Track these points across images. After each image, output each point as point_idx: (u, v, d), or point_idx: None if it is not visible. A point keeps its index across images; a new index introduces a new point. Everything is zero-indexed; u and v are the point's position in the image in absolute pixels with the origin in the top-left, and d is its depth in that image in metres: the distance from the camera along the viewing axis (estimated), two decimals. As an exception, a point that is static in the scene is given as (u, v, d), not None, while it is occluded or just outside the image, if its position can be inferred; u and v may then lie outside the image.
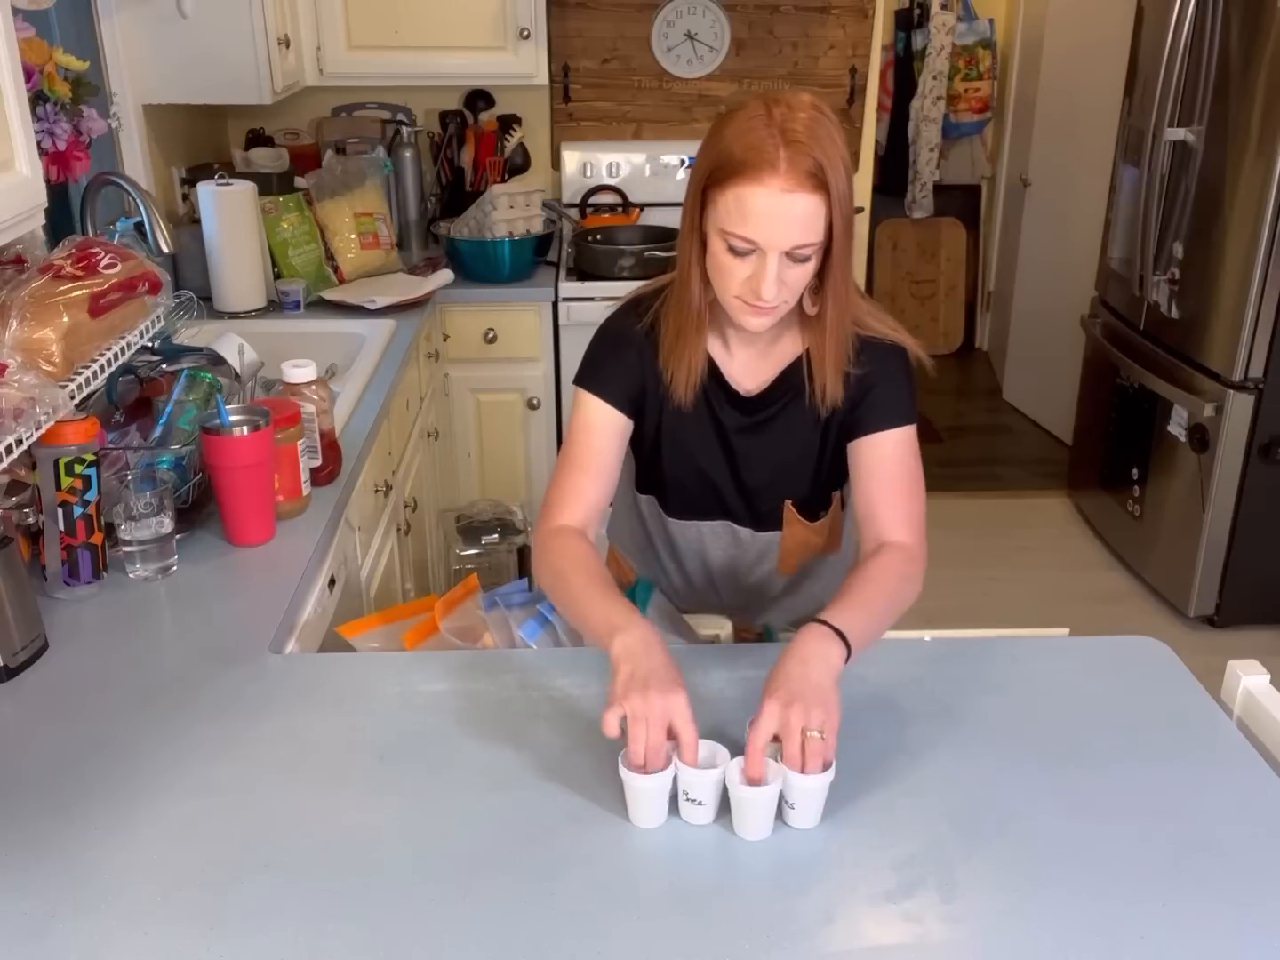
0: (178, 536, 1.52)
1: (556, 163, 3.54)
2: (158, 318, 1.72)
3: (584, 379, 1.38)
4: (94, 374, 1.51)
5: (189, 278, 2.61)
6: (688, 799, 1.04)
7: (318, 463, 1.71)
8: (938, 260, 5.28)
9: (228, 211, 2.56)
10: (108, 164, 2.47)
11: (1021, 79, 4.78)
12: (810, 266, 1.22)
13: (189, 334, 1.95)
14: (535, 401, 3.12)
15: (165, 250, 2.02)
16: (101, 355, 1.55)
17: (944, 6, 4.79)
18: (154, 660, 1.33)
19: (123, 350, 1.61)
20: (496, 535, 2.92)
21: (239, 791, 1.10)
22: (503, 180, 3.36)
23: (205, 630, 1.38)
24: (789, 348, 1.38)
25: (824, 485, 1.47)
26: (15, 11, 1.53)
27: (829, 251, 1.22)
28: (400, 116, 3.36)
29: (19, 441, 1.31)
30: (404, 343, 2.47)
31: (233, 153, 3.15)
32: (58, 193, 2.12)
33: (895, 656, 1.31)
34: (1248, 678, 1.23)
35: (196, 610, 1.43)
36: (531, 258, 3.07)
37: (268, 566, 1.52)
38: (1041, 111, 4.43)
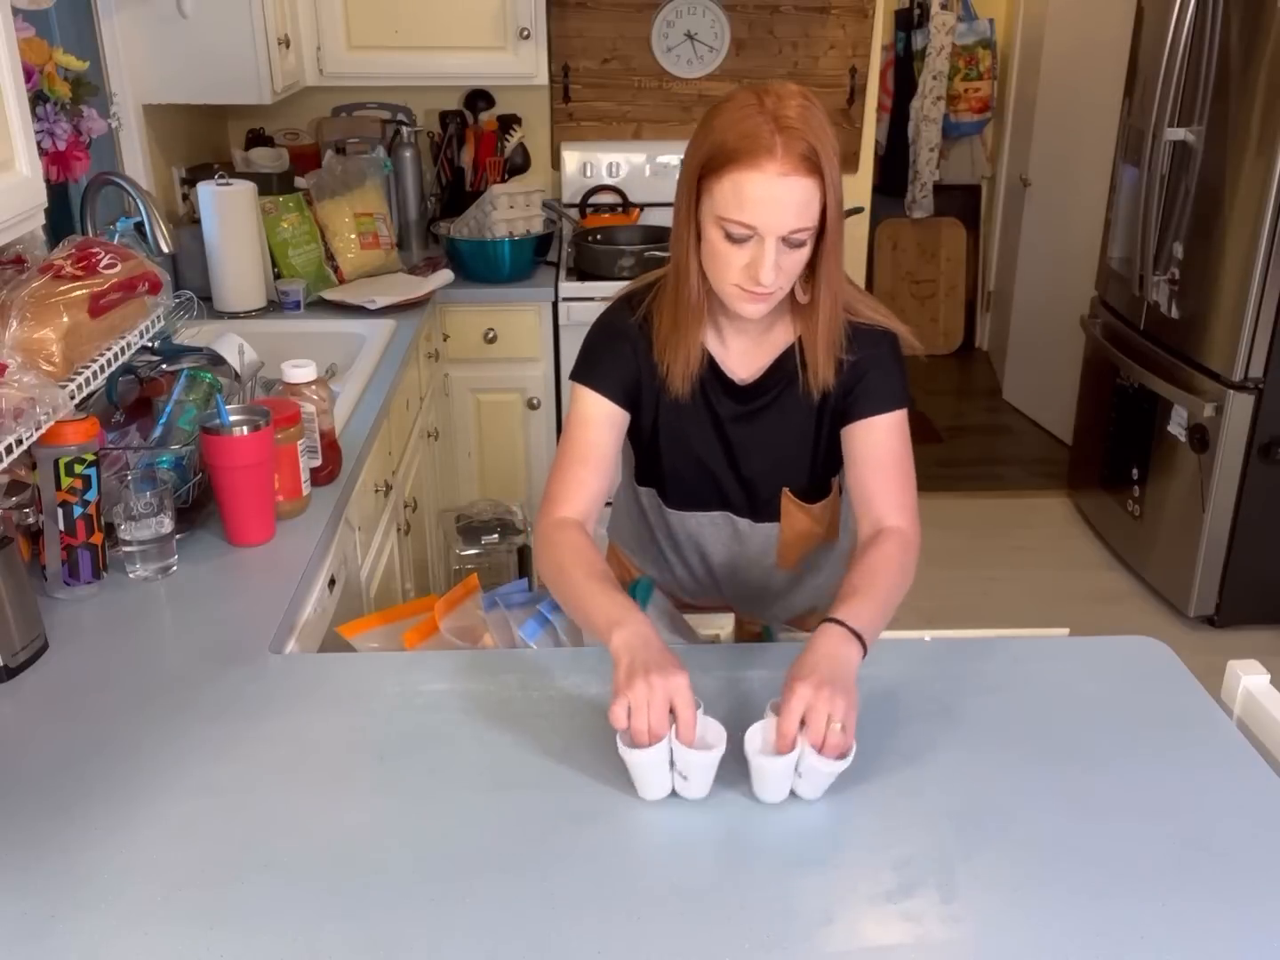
0: (178, 536, 1.52)
1: (556, 163, 3.54)
2: (158, 318, 1.72)
3: (580, 373, 1.39)
4: (94, 374, 1.51)
5: (189, 278, 2.61)
6: (680, 775, 1.07)
7: (318, 463, 1.71)
8: (938, 260, 5.28)
9: (228, 211, 2.56)
10: (108, 164, 2.47)
11: (1021, 79, 4.78)
12: (805, 251, 1.25)
13: (189, 334, 1.95)
14: (535, 401, 3.12)
15: (165, 250, 2.02)
16: (101, 355, 1.55)
17: (944, 6, 4.78)
18: (154, 660, 1.33)
19: (123, 350, 1.61)
20: (496, 535, 2.93)
21: (239, 791, 1.10)
22: (503, 180, 3.36)
23: (205, 630, 1.38)
24: (782, 336, 1.40)
25: (821, 472, 1.48)
26: (15, 11, 1.53)
27: (820, 238, 1.25)
28: (400, 116, 3.36)
29: (19, 441, 1.31)
30: (404, 343, 2.48)
31: (233, 153, 3.15)
32: (58, 193, 2.12)
33: (895, 656, 1.31)
34: (1248, 678, 1.23)
35: (196, 610, 1.43)
36: (531, 258, 3.07)
37: (268, 566, 1.52)
38: (1041, 111, 4.43)
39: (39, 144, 1.58)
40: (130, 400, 1.74)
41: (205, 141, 3.13)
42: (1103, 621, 3.16)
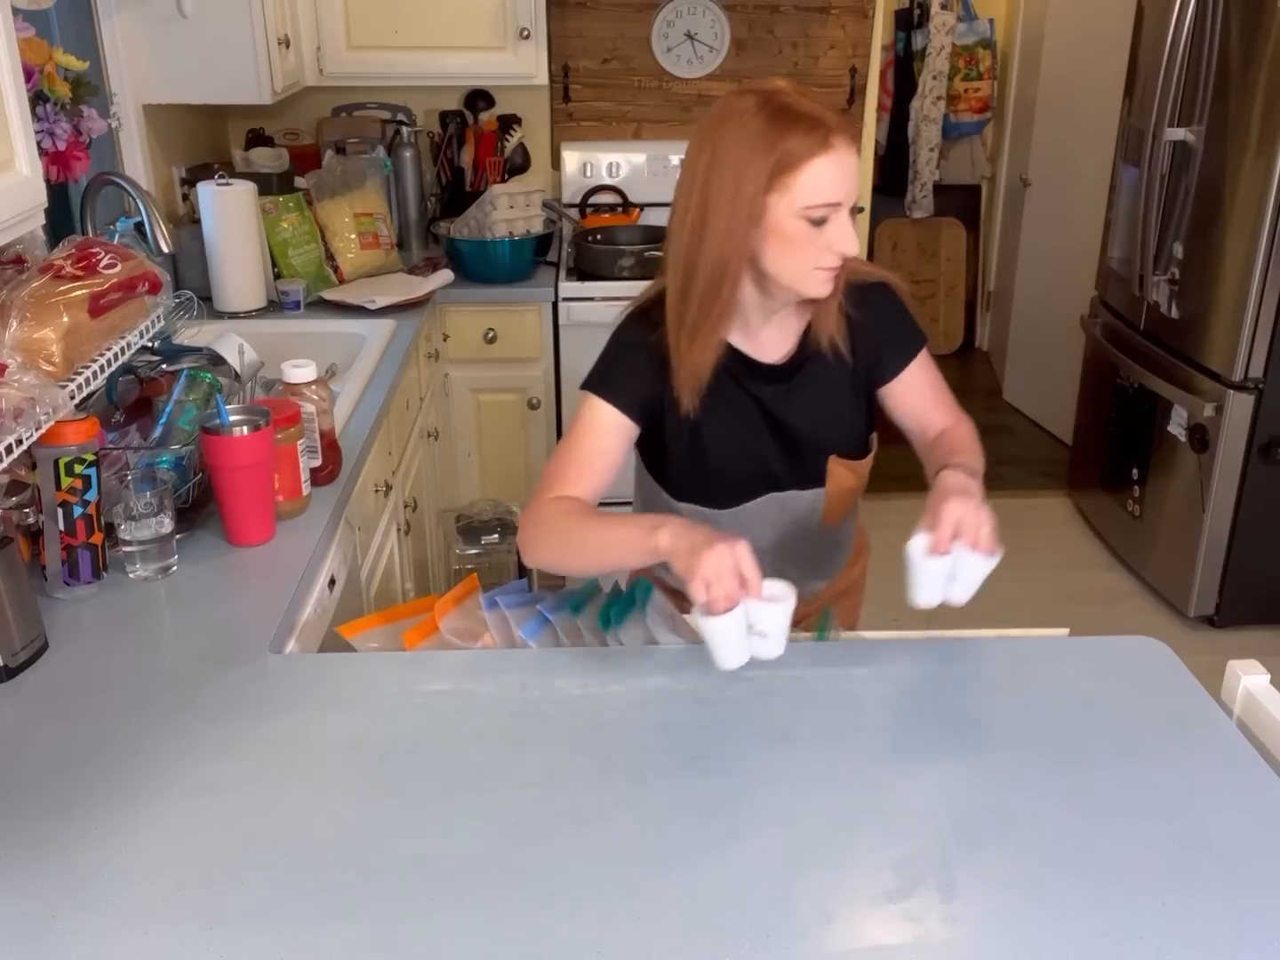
0: (178, 536, 1.52)
1: (556, 163, 3.54)
2: (158, 318, 1.72)
3: (595, 384, 1.40)
4: (94, 374, 1.51)
5: (189, 278, 2.61)
6: (759, 635, 1.15)
7: (318, 463, 1.71)
8: (938, 260, 5.28)
9: (228, 211, 2.56)
10: (108, 164, 2.47)
11: (1021, 79, 4.78)
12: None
13: (189, 334, 1.95)
14: (535, 401, 3.12)
15: (165, 250, 2.03)
16: (101, 355, 1.55)
17: (944, 6, 4.78)
18: (154, 660, 1.33)
19: (123, 350, 1.61)
20: (496, 535, 2.93)
21: (239, 791, 1.10)
22: (503, 180, 3.36)
23: (205, 630, 1.38)
24: (802, 311, 1.45)
25: (865, 430, 1.55)
26: (15, 11, 1.54)
27: None
28: (400, 116, 3.36)
29: (19, 441, 1.31)
30: (404, 343, 2.48)
31: (233, 153, 3.15)
32: (58, 193, 2.12)
33: (896, 656, 1.31)
34: (1248, 678, 1.23)
35: (196, 610, 1.43)
36: (531, 258, 3.07)
37: (268, 566, 1.52)
38: (1041, 111, 4.43)
39: (39, 144, 1.58)
40: (130, 400, 1.74)
41: (205, 141, 3.13)
42: (1103, 621, 3.16)
